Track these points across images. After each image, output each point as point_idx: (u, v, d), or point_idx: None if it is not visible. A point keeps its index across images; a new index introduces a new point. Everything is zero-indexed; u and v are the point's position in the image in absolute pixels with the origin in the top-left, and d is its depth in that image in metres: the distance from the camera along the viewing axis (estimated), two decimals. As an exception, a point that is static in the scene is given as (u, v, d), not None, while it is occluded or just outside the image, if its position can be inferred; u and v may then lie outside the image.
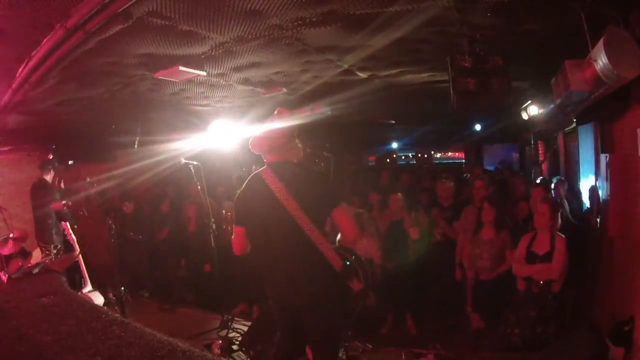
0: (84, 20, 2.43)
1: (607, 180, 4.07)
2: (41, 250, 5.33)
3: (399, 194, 5.26)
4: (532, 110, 6.04)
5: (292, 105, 5.79)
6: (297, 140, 2.73)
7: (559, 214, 3.95)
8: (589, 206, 4.93)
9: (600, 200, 4.39)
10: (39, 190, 5.77)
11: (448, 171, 7.71)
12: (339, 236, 2.74)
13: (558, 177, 6.17)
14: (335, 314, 2.58)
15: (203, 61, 3.65)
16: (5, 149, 6.35)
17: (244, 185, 2.76)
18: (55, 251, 4.68)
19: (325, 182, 2.65)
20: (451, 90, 3.40)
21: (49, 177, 5.99)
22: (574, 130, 5.89)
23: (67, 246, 5.39)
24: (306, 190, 2.53)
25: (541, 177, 7.02)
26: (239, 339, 4.58)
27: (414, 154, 15.49)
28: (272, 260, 2.65)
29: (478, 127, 9.89)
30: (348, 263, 2.49)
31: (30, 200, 5.89)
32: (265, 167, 2.69)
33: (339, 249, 2.58)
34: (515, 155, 11.96)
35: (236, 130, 5.06)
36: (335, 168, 4.10)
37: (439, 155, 15.08)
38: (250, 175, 2.73)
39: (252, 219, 2.69)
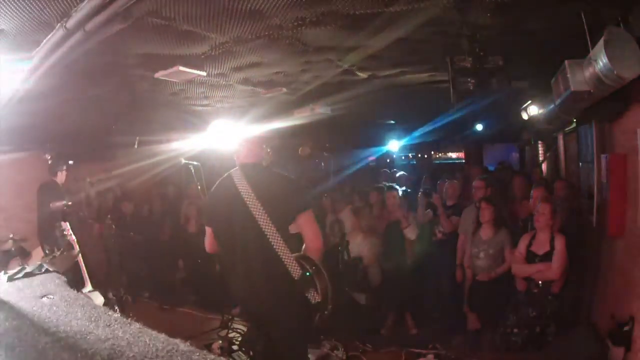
0: (84, 20, 2.43)
1: (607, 180, 4.07)
2: (43, 250, 5.33)
3: (395, 191, 5.26)
4: (532, 110, 6.03)
5: (291, 106, 5.81)
6: (265, 146, 2.74)
7: (559, 214, 3.95)
8: (588, 206, 4.92)
9: (600, 200, 4.39)
10: (48, 192, 5.78)
11: (449, 171, 7.71)
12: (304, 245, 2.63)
13: (560, 177, 6.17)
14: (296, 322, 2.47)
15: (203, 61, 3.65)
16: (5, 148, 6.34)
17: (214, 186, 2.74)
18: (58, 253, 4.68)
19: (293, 187, 2.58)
20: (451, 90, 3.40)
21: (59, 179, 6.01)
22: (574, 130, 5.88)
23: (67, 246, 5.39)
24: (272, 193, 2.47)
25: (541, 177, 7.01)
26: (239, 339, 4.58)
27: (414, 154, 15.47)
28: (234, 263, 2.60)
29: (478, 127, 9.88)
30: (308, 274, 2.36)
31: (37, 200, 5.89)
32: (236, 167, 2.67)
33: (300, 257, 2.45)
34: (515, 155, 11.95)
35: (236, 130, 5.05)
36: (335, 168, 4.10)
37: (439, 155, 15.03)
38: (222, 176, 2.70)
39: (218, 219, 2.66)
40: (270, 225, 2.36)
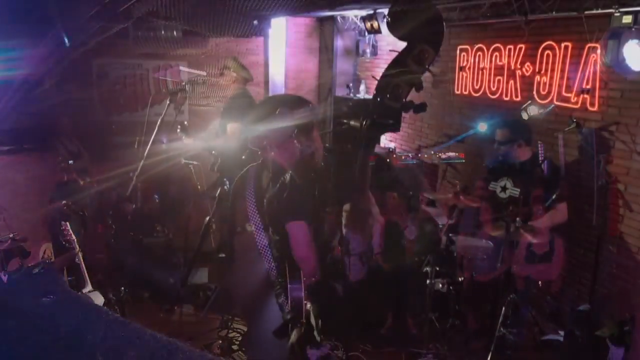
0: (85, 19, 2.43)
1: (607, 180, 4.07)
2: (54, 246, 5.40)
3: (395, 192, 5.26)
4: (532, 110, 6.03)
5: (293, 105, 5.81)
6: (296, 141, 2.45)
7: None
8: (589, 206, 4.93)
9: (600, 201, 4.39)
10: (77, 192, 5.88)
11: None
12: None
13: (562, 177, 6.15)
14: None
15: (203, 61, 3.66)
16: (5, 148, 6.35)
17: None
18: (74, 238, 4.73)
19: (295, 192, 2.38)
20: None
21: (82, 181, 6.12)
22: (574, 130, 5.87)
23: (67, 246, 5.39)
24: (273, 197, 2.43)
25: (541, 177, 6.99)
26: (239, 339, 4.58)
27: (413, 153, 15.51)
28: None
29: (478, 127, 9.86)
30: (277, 287, 2.38)
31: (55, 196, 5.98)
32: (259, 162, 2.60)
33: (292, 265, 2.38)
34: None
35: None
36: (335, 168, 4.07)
37: (439, 155, 15.07)
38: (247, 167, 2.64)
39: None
40: (260, 224, 2.39)
